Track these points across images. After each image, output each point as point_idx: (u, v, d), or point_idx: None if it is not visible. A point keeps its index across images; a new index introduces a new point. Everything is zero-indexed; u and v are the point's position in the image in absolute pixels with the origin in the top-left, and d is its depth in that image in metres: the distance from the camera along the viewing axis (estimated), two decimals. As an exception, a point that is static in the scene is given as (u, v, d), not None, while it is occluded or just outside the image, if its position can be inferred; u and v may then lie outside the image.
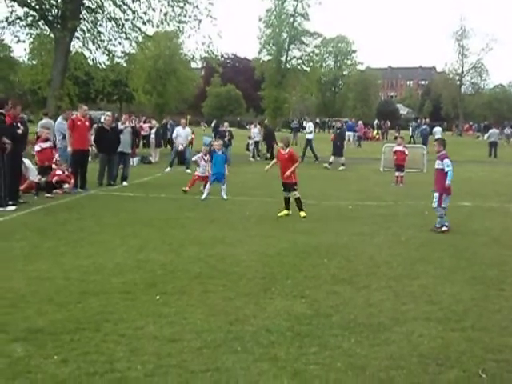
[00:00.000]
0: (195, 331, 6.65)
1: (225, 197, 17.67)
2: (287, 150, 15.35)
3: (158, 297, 7.88)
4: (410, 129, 63.60)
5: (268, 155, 34.45)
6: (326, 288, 8.55)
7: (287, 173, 15.03)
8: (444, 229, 13.28)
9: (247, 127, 73.81)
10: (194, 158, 19.78)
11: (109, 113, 24.81)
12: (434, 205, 13.54)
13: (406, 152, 24.14)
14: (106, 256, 10.15)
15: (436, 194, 13.54)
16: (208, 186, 17.94)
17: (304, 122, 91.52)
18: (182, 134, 27.05)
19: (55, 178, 18.04)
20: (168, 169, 26.31)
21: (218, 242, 11.59)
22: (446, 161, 13.41)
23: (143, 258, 10.11)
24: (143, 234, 12.18)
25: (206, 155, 19.22)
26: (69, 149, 19.00)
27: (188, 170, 26.01)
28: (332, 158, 30.08)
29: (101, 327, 6.68)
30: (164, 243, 11.32)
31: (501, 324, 7.12)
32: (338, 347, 6.31)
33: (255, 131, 36.50)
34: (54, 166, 18.44)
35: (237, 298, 7.92)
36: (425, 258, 10.57)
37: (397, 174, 23.17)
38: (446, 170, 13.30)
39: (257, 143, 36.60)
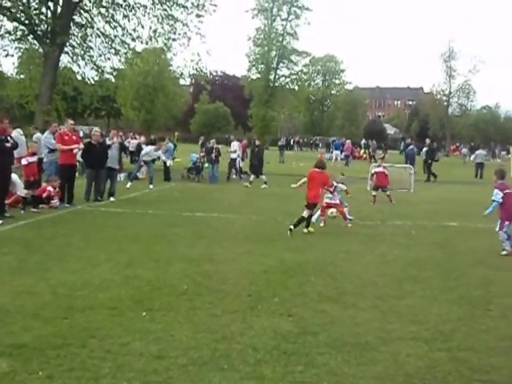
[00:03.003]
0: (182, 348, 6.62)
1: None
2: (324, 171, 15.89)
3: (144, 313, 7.85)
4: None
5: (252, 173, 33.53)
6: (312, 306, 8.54)
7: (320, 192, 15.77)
8: (503, 252, 13.31)
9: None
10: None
11: (97, 128, 24.81)
12: (496, 228, 13.70)
13: (386, 172, 24.13)
14: (92, 271, 10.11)
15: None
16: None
17: (291, 141, 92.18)
18: (151, 153, 27.20)
19: (45, 194, 17.98)
20: (129, 183, 26.06)
21: (205, 259, 11.56)
22: (495, 190, 13.71)
23: (130, 273, 10.07)
24: (130, 250, 12.13)
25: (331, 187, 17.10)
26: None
27: (151, 186, 26.13)
28: (252, 177, 29.92)
29: (87, 343, 6.64)
30: (151, 259, 11.28)
31: (488, 344, 7.13)
32: (324, 366, 6.30)
33: (235, 144, 35.31)
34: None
35: (223, 316, 7.90)
36: (411, 278, 10.59)
37: (374, 193, 23.16)
38: (492, 198, 13.66)
39: (234, 160, 34.44)
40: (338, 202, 16.78)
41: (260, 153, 31.84)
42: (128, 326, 7.29)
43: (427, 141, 46.68)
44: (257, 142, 34.32)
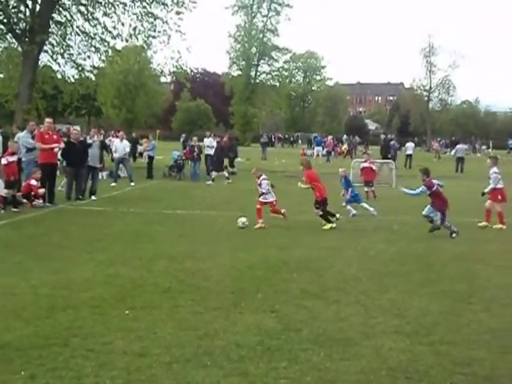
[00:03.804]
0: (164, 346, 6.61)
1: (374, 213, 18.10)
2: (307, 171, 16.28)
3: (127, 311, 7.82)
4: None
5: (230, 169, 33.73)
6: (295, 302, 8.55)
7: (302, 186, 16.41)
8: (453, 235, 14.70)
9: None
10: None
11: (76, 126, 24.74)
12: (438, 222, 15.05)
13: (374, 167, 24.29)
14: (74, 271, 10.06)
15: (438, 213, 15.10)
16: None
17: (273, 137, 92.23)
18: (119, 147, 27.26)
19: (33, 192, 17.94)
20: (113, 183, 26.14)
21: (188, 256, 11.55)
22: (423, 188, 15.26)
23: (112, 272, 10.04)
24: (112, 249, 12.09)
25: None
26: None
27: (132, 183, 26.31)
28: (214, 174, 29.83)
29: (69, 342, 6.61)
30: (133, 258, 11.25)
31: (469, 337, 7.18)
32: (307, 361, 6.31)
33: (210, 140, 34.67)
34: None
35: (206, 313, 7.90)
36: (394, 272, 10.63)
37: (366, 189, 23.23)
38: (419, 191, 15.34)
39: (210, 156, 33.15)
40: (269, 200, 15.93)
41: (218, 150, 31.69)
42: (111, 325, 7.27)
43: (382, 136, 47.59)
44: (217, 139, 34.39)
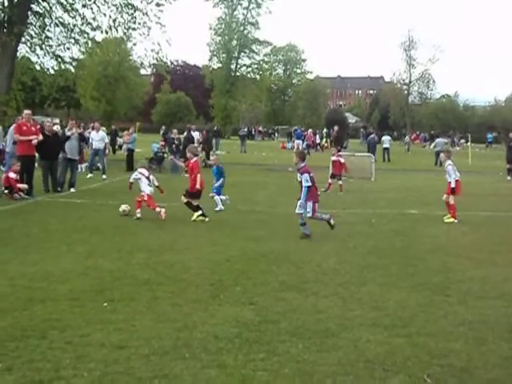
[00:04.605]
0: (143, 338, 6.61)
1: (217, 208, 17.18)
2: (194, 159, 15.95)
3: (105, 304, 7.81)
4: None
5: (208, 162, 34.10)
6: (274, 295, 8.58)
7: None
8: (306, 232, 13.58)
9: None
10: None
11: (49, 119, 24.63)
12: (309, 214, 13.57)
13: (342, 161, 24.39)
14: (52, 263, 10.02)
15: (309, 203, 13.52)
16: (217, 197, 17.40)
17: (253, 130, 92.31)
18: (95, 138, 27.17)
19: (19, 185, 17.93)
20: (89, 175, 26.07)
21: (167, 248, 11.55)
22: (305, 175, 13.39)
23: (91, 264, 10.01)
24: (91, 241, 12.05)
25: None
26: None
27: (104, 176, 26.17)
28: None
29: (47, 334, 6.59)
30: (112, 250, 11.22)
31: (446, 329, 7.23)
32: (286, 353, 6.33)
33: (195, 135, 35.11)
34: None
35: (185, 305, 7.90)
36: (372, 265, 10.68)
37: (340, 182, 23.37)
38: (304, 185, 13.39)
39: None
40: (145, 192, 15.72)
41: (186, 142, 31.79)
42: (89, 317, 7.25)
43: (335, 128, 48.59)
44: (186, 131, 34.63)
